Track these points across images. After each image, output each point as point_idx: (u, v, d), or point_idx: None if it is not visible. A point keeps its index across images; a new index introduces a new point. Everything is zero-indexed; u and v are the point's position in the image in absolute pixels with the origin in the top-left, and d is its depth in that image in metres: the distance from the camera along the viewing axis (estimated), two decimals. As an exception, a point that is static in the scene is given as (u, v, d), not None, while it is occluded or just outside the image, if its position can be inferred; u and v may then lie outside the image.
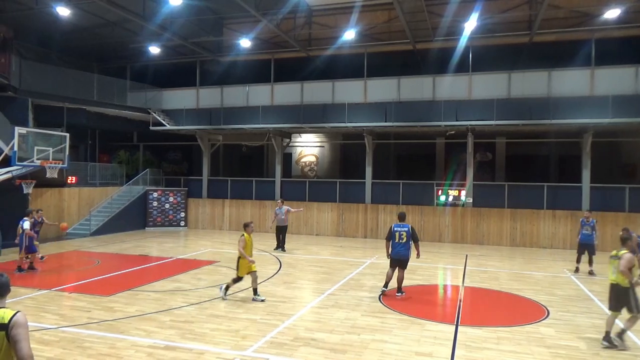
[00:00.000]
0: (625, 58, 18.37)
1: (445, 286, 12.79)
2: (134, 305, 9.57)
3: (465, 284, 12.26)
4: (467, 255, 16.75)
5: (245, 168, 27.85)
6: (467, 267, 14.59)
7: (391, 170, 25.61)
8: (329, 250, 17.75)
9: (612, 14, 16.80)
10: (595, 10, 17.80)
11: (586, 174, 19.00)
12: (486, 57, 20.07)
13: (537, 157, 23.32)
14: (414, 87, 20.53)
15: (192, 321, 8.57)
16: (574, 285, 12.33)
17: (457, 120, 19.52)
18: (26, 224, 12.46)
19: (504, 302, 10.60)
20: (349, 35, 19.88)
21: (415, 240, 10.40)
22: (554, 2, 17.66)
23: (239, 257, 9.98)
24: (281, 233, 16.88)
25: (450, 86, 19.99)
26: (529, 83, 19.15)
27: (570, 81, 18.73)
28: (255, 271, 10.03)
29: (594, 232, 13.52)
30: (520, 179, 20.94)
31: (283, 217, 16.84)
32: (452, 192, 20.20)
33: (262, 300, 9.91)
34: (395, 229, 10.38)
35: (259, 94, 22.97)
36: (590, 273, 13.50)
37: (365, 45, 21.40)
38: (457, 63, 20.21)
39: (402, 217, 10.67)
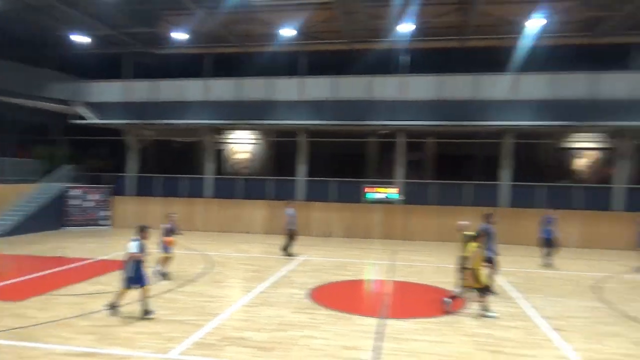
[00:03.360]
0: (546, 65, 19.62)
1: (373, 281, 13.11)
2: (49, 310, 8.96)
3: (393, 279, 12.62)
4: (395, 251, 17.26)
5: (177, 164, 26.91)
6: (395, 262, 15.03)
7: (325, 167, 25.86)
8: (261, 248, 17.65)
9: (538, 23, 17.90)
10: (523, 20, 18.87)
11: (505, 173, 20.22)
12: (421, 60, 20.73)
13: (464, 156, 24.42)
14: (351, 87, 20.78)
15: (114, 325, 8.18)
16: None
17: (390, 120, 20.06)
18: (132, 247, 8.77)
19: (429, 295, 10.99)
20: (288, 32, 19.80)
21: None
22: (484, 10, 18.53)
23: (474, 269, 9.09)
24: (294, 235, 16.00)
25: (385, 87, 20.42)
26: (459, 86, 19.96)
27: (495, 85, 19.74)
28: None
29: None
30: (449, 177, 21.85)
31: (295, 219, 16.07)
32: (383, 190, 20.76)
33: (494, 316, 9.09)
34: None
35: (194, 89, 22.22)
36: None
37: (303, 43, 21.41)
38: (392, 64, 20.76)
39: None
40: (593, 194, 20.02)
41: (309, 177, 21.86)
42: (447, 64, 21.21)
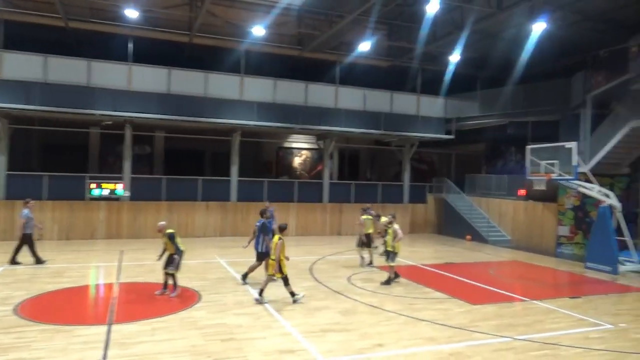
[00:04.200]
0: (267, 71, 21.36)
1: (97, 285, 11.98)
2: None
3: (120, 281, 11.75)
4: (122, 251, 16.15)
5: None
6: (122, 263, 14.06)
7: (35, 161, 22.16)
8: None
9: (259, 31, 19.18)
10: (246, 25, 19.94)
11: (234, 169, 21.26)
12: (148, 50, 19.65)
13: (194, 152, 24.60)
14: (66, 69, 18.20)
15: None
16: (223, 269, 13.56)
17: (114, 111, 18.53)
18: None
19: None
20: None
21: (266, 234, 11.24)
22: (211, 10, 18.84)
23: (279, 260, 9.74)
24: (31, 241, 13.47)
25: (107, 74, 18.67)
26: (188, 81, 19.78)
27: (224, 84, 20.34)
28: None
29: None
30: (178, 172, 21.59)
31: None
32: (108, 186, 19.09)
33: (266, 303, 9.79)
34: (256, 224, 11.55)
35: None
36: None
37: (2, 10, 17.67)
38: (115, 50, 19.19)
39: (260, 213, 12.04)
40: (307, 188, 22.99)
41: (10, 171, 18.31)
42: (176, 58, 20.93)
